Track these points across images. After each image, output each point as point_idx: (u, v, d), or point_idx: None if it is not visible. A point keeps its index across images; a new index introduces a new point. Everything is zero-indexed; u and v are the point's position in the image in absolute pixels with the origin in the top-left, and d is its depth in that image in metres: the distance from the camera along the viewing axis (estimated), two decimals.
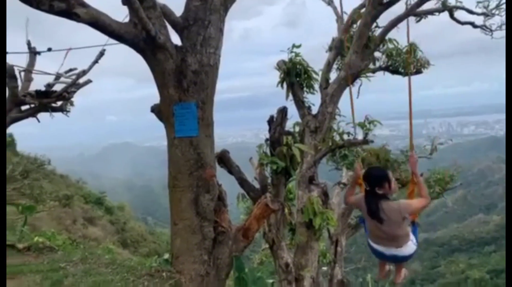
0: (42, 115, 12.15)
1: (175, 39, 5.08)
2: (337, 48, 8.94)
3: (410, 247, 4.22)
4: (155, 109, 5.35)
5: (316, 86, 8.56)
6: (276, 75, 8.44)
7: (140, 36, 4.73)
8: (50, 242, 6.79)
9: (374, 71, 8.79)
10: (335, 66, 9.18)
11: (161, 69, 4.92)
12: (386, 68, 9.02)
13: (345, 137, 8.52)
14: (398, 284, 4.89)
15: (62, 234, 14.63)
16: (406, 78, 9.05)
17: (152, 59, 4.95)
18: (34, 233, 9.21)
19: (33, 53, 10.59)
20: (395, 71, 9.07)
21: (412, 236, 4.25)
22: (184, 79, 4.89)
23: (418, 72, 8.93)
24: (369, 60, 8.31)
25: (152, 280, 4.66)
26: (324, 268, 9.85)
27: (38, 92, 11.28)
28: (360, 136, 8.65)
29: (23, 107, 11.58)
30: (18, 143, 28.68)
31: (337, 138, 8.61)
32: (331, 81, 8.60)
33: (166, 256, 5.84)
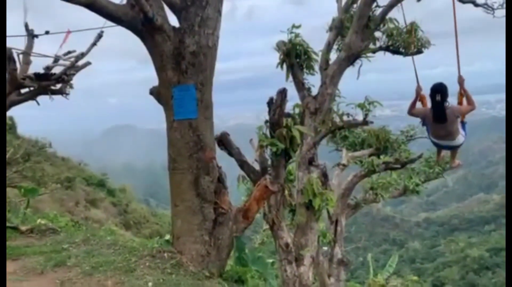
0: (42, 98, 12.12)
1: (173, 20, 5.03)
2: (338, 28, 8.83)
3: (460, 138, 6.07)
4: (154, 92, 5.34)
5: (316, 67, 8.49)
6: (278, 56, 8.37)
7: (138, 18, 4.69)
8: (53, 224, 6.86)
9: (374, 51, 8.70)
10: (335, 46, 9.08)
11: (159, 51, 4.90)
12: (386, 48, 8.91)
13: (345, 118, 8.51)
14: (454, 167, 7.91)
15: (65, 216, 14.77)
16: (408, 58, 8.99)
17: (150, 41, 4.92)
18: (36, 215, 9.30)
19: (31, 35, 10.51)
20: (395, 51, 8.97)
21: (461, 131, 6.02)
22: (182, 61, 4.86)
23: (419, 51, 8.84)
24: (369, 40, 8.23)
25: (153, 260, 4.72)
26: (325, 248, 9.96)
27: (37, 75, 11.21)
28: (360, 117, 8.64)
29: (23, 90, 11.54)
30: (19, 126, 28.69)
31: (337, 119, 8.59)
32: (331, 62, 8.52)
33: (167, 237, 5.92)
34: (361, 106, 8.19)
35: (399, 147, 11.20)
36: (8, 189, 15.47)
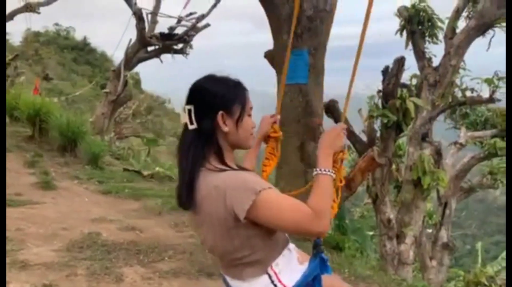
0: (164, 56, 13.10)
1: None
2: None
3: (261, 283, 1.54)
4: (268, 55, 5.43)
5: (441, 35, 7.85)
6: (396, 22, 7.91)
7: None
8: (169, 173, 7.55)
9: None
10: (464, 14, 8.25)
11: (276, 14, 4.93)
12: None
13: (468, 93, 7.81)
14: None
15: None
16: None
17: (268, 3, 4.96)
18: (155, 164, 10.31)
19: None
20: None
21: (282, 268, 1.56)
22: (298, 25, 4.84)
23: None
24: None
25: None
26: (429, 230, 9.50)
27: (162, 34, 12.12)
28: (486, 94, 7.86)
29: (149, 48, 12.59)
30: (143, 82, 31.39)
31: (458, 94, 7.93)
32: (458, 30, 7.79)
33: None
34: (488, 81, 7.44)
35: None
36: (132, 138, 17.28)
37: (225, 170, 1.45)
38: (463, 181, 9.95)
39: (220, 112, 1.48)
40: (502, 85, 7.62)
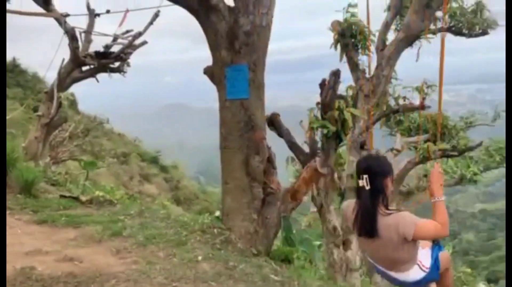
0: (101, 76, 12.65)
1: (228, 0, 5.03)
2: (396, 8, 8.47)
3: (415, 272, 3.04)
4: (207, 71, 5.40)
5: (372, 47, 8.24)
6: (331, 36, 8.20)
7: None
8: (110, 196, 7.22)
9: (435, 32, 8.29)
10: (393, 27, 8.74)
11: (213, 31, 4.92)
12: (448, 29, 8.46)
13: (401, 101, 8.23)
14: None
15: (120, 189, 15.48)
16: (472, 40, 8.48)
17: (205, 20, 4.95)
18: (94, 187, 9.84)
19: (92, 15, 10.92)
20: (458, 33, 8.49)
21: (423, 260, 3.06)
22: (236, 41, 4.87)
23: (484, 33, 8.31)
24: (430, 21, 7.83)
25: (203, 235, 4.86)
26: None
27: (97, 53, 11.70)
28: (416, 101, 8.33)
29: (84, 68, 12.10)
30: (79, 103, 30.11)
31: (392, 102, 8.34)
32: (388, 42, 8.22)
33: (218, 213, 6.05)
34: (418, 89, 7.89)
35: (457, 134, 10.72)
36: (69, 162, 16.45)
37: (390, 214, 2.86)
38: (402, 185, 10.42)
39: (389, 177, 2.93)
40: (431, 92, 8.11)
